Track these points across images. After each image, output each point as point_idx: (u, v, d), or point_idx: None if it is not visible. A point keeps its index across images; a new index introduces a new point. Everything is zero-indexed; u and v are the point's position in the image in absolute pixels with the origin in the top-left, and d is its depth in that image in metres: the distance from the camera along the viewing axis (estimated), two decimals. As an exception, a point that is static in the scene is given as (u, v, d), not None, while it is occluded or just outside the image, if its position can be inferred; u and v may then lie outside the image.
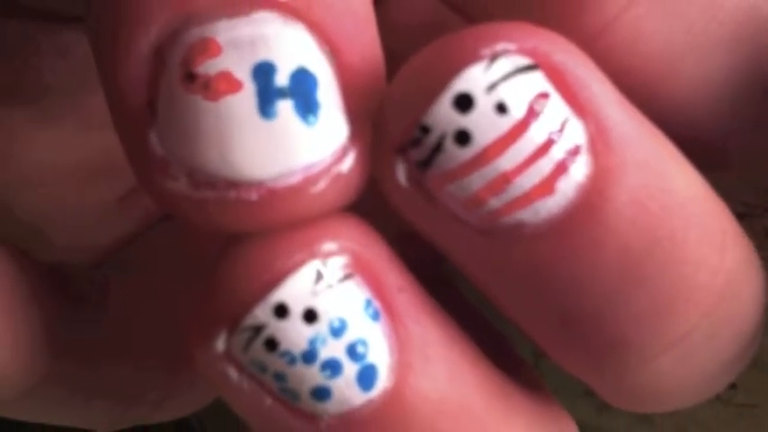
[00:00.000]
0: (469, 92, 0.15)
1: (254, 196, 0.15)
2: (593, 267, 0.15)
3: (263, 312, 0.15)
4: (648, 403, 0.18)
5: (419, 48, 0.15)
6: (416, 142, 0.15)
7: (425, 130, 0.15)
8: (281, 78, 0.14)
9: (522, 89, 0.15)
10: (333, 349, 0.15)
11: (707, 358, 0.17)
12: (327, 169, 0.15)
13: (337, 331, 0.15)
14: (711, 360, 0.17)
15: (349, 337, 0.15)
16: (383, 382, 0.16)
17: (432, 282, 0.17)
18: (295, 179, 0.15)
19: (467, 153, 0.15)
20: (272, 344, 0.15)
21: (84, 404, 0.20)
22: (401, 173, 0.15)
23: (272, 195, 0.15)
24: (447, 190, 0.15)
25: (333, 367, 0.15)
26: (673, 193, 0.16)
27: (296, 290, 0.15)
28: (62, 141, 0.22)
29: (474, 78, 0.15)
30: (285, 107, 0.14)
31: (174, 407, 0.21)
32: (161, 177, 0.15)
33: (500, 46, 0.15)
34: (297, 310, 0.15)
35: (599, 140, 0.15)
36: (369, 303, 0.16)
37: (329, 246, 0.15)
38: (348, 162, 0.15)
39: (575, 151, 0.15)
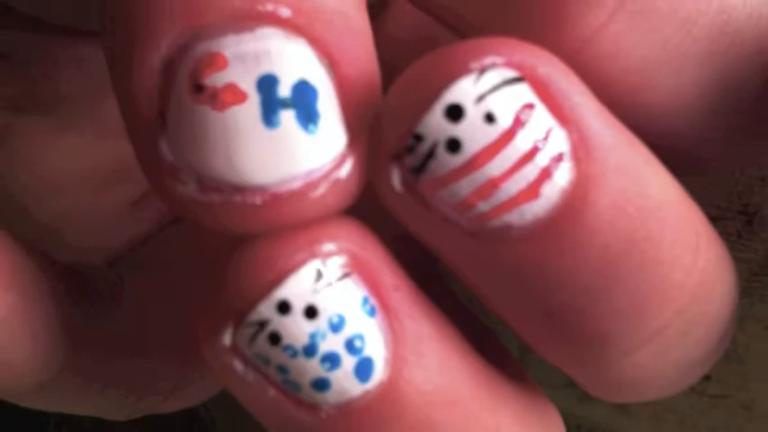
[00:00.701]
0: (460, 102, 0.15)
1: (258, 200, 0.15)
2: (575, 267, 0.15)
3: (266, 309, 0.15)
4: (627, 394, 0.18)
5: (413, 61, 0.15)
6: (410, 150, 0.15)
7: (419, 138, 0.15)
8: (284, 90, 0.14)
9: (509, 100, 0.15)
10: (332, 343, 0.15)
11: (682, 352, 0.17)
12: (327, 175, 0.15)
13: (336, 326, 0.15)
14: (686, 354, 0.17)
15: (347, 332, 0.15)
16: (379, 374, 0.16)
17: (425, 281, 0.17)
18: (297, 184, 0.15)
19: (457, 160, 0.15)
20: (275, 338, 0.15)
21: (99, 395, 0.20)
22: (396, 178, 0.15)
23: (276, 199, 0.15)
24: (439, 194, 0.15)
25: (332, 360, 0.15)
26: (649, 197, 0.16)
27: (297, 288, 0.15)
28: (79, 149, 0.22)
29: (464, 90, 0.15)
30: (287, 117, 0.15)
31: (184, 397, 0.21)
32: (171, 182, 0.15)
33: (488, 59, 0.15)
34: (298, 306, 0.15)
35: (581, 148, 0.15)
36: (366, 300, 0.16)
37: (329, 246, 0.15)
38: (346, 168, 0.15)
39: (558, 158, 0.15)
